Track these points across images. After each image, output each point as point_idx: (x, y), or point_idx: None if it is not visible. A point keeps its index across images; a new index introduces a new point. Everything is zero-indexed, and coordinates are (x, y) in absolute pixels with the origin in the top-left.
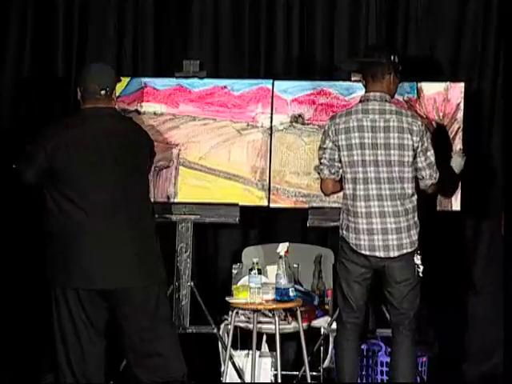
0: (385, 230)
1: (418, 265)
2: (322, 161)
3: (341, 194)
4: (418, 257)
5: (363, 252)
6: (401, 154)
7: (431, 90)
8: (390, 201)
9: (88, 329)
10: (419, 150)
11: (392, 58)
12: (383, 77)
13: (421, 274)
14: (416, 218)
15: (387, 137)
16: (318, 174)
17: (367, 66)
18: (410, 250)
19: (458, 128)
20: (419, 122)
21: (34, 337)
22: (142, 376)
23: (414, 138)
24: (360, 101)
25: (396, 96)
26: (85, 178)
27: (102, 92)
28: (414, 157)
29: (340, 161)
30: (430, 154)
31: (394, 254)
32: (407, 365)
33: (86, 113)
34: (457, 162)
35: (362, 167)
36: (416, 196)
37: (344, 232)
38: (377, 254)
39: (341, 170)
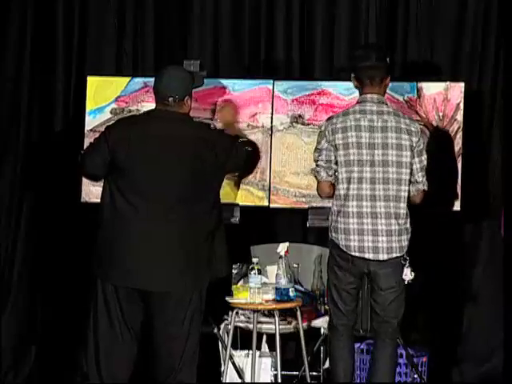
0: (375, 232)
1: (406, 273)
2: (319, 163)
3: None
4: (407, 265)
5: (352, 253)
6: (398, 154)
7: (431, 89)
8: (384, 201)
9: (122, 327)
10: (416, 150)
11: (387, 60)
12: (381, 80)
13: (406, 282)
14: (408, 225)
15: (385, 137)
16: (315, 176)
17: (365, 70)
18: (399, 255)
19: (458, 128)
20: (417, 124)
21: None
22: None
23: (413, 139)
24: (357, 102)
25: (396, 96)
26: (141, 176)
27: (170, 99)
28: (412, 158)
29: (336, 162)
30: (424, 158)
31: (383, 256)
32: (387, 369)
33: (154, 113)
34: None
35: (358, 167)
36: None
37: (333, 234)
38: (366, 255)
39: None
